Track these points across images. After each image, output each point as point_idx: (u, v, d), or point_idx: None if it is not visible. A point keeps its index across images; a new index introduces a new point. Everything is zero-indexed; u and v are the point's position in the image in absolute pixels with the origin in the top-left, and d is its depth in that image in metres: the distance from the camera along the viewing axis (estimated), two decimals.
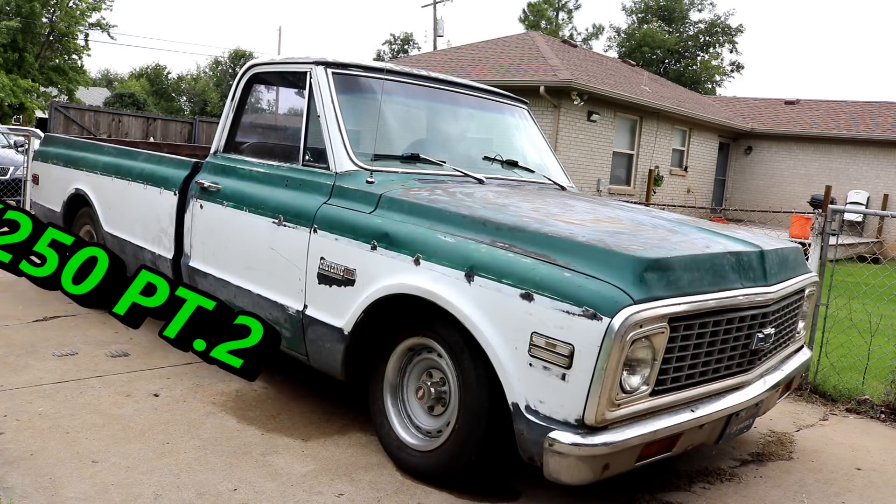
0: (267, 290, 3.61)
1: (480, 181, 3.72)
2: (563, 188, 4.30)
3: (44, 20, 31.87)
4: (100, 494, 2.66)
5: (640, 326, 2.41)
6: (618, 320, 2.36)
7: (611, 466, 2.54)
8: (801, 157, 19.99)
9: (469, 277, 2.72)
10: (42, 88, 32.75)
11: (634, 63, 24.74)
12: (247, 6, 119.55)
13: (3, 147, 11.49)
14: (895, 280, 5.54)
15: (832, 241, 4.82)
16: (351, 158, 3.46)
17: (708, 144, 19.80)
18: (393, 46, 58.64)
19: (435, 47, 33.29)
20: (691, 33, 46.30)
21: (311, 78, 3.67)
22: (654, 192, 16.86)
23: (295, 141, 3.74)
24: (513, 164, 4.18)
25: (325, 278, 3.29)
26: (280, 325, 3.53)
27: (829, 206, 5.11)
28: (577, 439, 2.44)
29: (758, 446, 3.78)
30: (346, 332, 3.17)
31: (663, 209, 17.76)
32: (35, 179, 6.22)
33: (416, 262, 2.90)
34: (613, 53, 44.80)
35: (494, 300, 2.64)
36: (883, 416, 4.48)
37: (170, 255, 4.32)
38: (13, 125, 28.02)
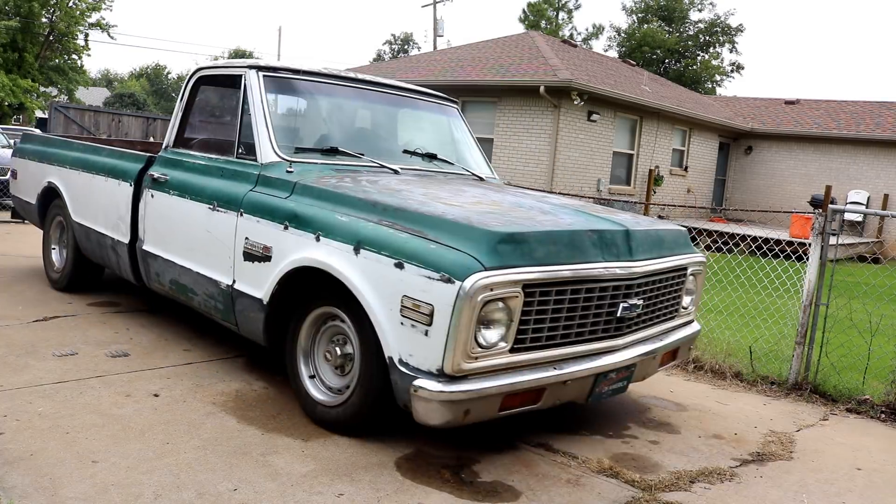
0: (204, 268, 4.04)
1: (396, 171, 4.09)
2: (480, 179, 4.66)
3: (43, 20, 31.85)
4: (100, 494, 2.66)
5: (491, 290, 2.77)
6: (468, 283, 2.73)
7: (472, 412, 2.89)
8: (801, 157, 19.98)
9: (356, 250, 3.12)
10: (42, 88, 32.74)
11: (634, 63, 24.71)
12: (247, 6, 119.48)
13: (3, 147, 11.49)
14: (895, 280, 5.54)
15: (832, 240, 4.82)
16: (275, 151, 3.87)
17: (708, 144, 19.79)
18: (393, 46, 58.64)
19: (435, 47, 33.28)
20: (691, 33, 46.24)
21: (245, 80, 4.09)
22: (655, 192, 16.86)
23: (231, 136, 4.15)
24: (432, 157, 4.57)
25: (249, 255, 3.72)
26: (214, 299, 4.00)
27: (830, 205, 5.10)
28: (438, 387, 2.81)
29: (758, 446, 3.79)
30: (264, 303, 3.60)
31: (663, 209, 17.59)
32: (14, 174, 6.52)
33: (317, 239, 3.32)
34: (613, 53, 44.78)
35: (375, 269, 3.04)
36: (883, 415, 4.47)
37: (126, 240, 4.71)
38: (13, 125, 28.03)
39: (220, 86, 4.62)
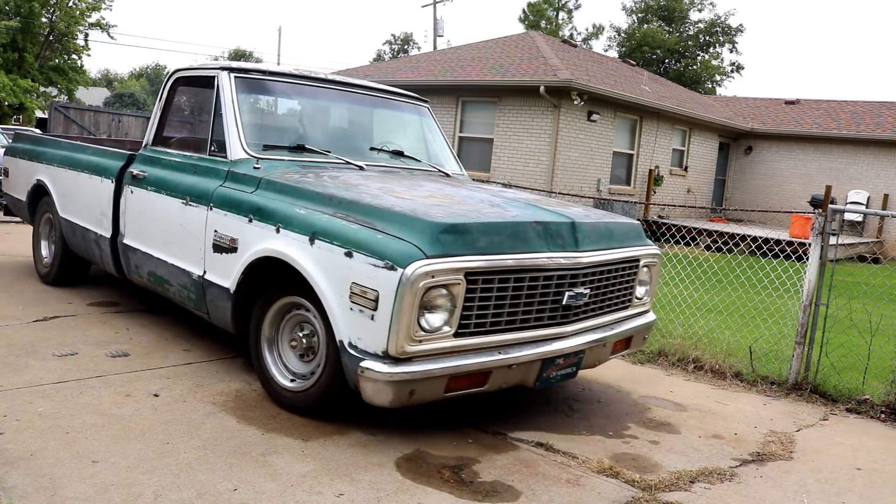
0: (178, 259, 4.24)
1: (361, 168, 4.27)
2: (446, 175, 4.82)
3: (43, 20, 31.84)
4: (100, 494, 2.66)
5: (433, 277, 2.94)
6: (409, 270, 2.90)
7: (417, 393, 3.05)
8: (801, 156, 19.97)
9: (311, 241, 3.31)
10: (42, 88, 32.71)
11: (634, 63, 24.71)
12: (247, 6, 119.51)
13: (3, 147, 11.49)
14: (895, 280, 5.54)
15: (832, 240, 4.82)
16: (243, 148, 4.05)
17: (708, 144, 19.79)
18: (393, 46, 58.65)
19: (435, 47, 33.27)
20: (691, 33, 46.21)
21: (217, 81, 4.28)
22: (655, 192, 16.85)
23: (205, 134, 4.35)
24: (399, 154, 4.74)
25: (217, 247, 3.91)
26: (188, 289, 4.19)
27: (830, 205, 5.10)
28: (383, 368, 2.98)
29: (758, 446, 3.78)
30: (231, 292, 3.78)
31: (663, 209, 17.52)
32: (6, 173, 6.73)
33: (277, 231, 3.51)
34: (613, 53, 44.75)
35: (327, 258, 3.22)
36: (883, 415, 4.47)
37: (108, 235, 4.91)
38: (13, 125, 28.02)
39: (196, 86, 4.78)
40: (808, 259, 4.87)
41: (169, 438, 3.17)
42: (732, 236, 13.24)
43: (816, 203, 15.62)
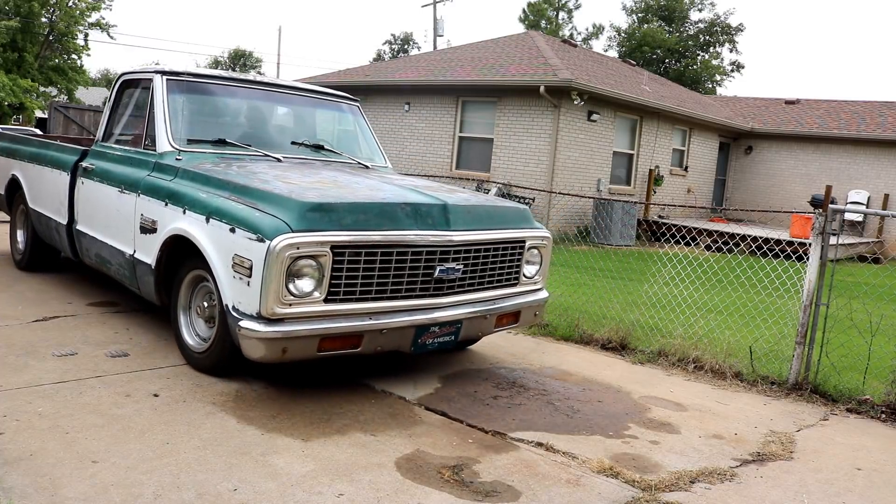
0: (116, 241, 4.73)
1: (279, 160, 4.68)
2: (365, 167, 5.23)
3: (43, 20, 31.84)
4: (100, 494, 2.66)
5: (298, 248, 3.35)
6: (275, 242, 3.33)
7: (290, 350, 3.44)
8: (801, 156, 19.96)
9: (207, 220, 3.78)
10: (42, 88, 32.72)
11: (634, 63, 24.69)
12: (247, 6, 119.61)
13: None
14: (895, 280, 5.54)
15: (832, 240, 4.81)
16: (169, 141, 4.52)
17: (708, 144, 19.77)
18: (393, 46, 58.64)
19: (435, 47, 33.26)
20: (691, 33, 46.20)
21: (152, 83, 4.78)
22: (655, 192, 16.83)
23: (142, 130, 4.82)
24: (320, 148, 5.21)
25: (144, 229, 4.39)
26: (123, 268, 4.67)
27: (830, 205, 5.10)
28: (256, 326, 3.40)
29: (758, 446, 3.78)
30: (153, 267, 4.26)
31: (663, 209, 17.41)
32: None
33: (184, 212, 3.99)
34: (613, 53, 44.74)
35: (217, 234, 3.70)
36: (883, 415, 4.47)
37: (65, 222, 5.41)
38: (13, 125, 28.01)
39: (138, 88, 5.20)
40: (808, 259, 4.87)
41: (169, 438, 3.17)
42: (732, 236, 13.24)
43: (817, 203, 15.61)
